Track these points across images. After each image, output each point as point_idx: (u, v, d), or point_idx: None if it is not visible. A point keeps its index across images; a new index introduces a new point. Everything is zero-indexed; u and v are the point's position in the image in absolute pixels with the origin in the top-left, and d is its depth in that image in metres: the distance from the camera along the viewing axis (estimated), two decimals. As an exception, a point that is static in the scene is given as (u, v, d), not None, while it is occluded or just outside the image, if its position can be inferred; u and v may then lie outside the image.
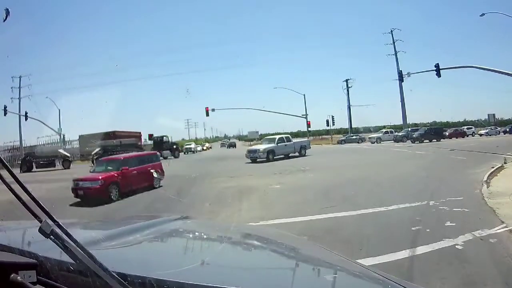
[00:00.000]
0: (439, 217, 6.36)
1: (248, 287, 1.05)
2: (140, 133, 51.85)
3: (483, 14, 28.19)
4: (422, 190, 8.93)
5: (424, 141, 34.61)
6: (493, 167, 11.81)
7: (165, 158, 29.17)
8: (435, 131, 37.74)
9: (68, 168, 28.82)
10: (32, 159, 30.07)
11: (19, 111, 42.74)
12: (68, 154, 32.62)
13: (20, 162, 30.11)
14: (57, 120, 44.26)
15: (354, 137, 46.53)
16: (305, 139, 31.07)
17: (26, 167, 28.68)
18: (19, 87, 43.78)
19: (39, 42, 69.40)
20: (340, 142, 45.43)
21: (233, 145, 60.90)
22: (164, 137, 36.73)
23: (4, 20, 1.39)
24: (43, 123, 42.15)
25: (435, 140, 34.74)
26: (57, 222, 0.93)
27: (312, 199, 9.06)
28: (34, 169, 29.16)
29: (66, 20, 74.20)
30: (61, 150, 33.18)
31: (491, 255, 4.44)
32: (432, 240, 4.98)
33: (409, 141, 36.56)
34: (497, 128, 45.33)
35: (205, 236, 1.87)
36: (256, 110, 51.31)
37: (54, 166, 29.99)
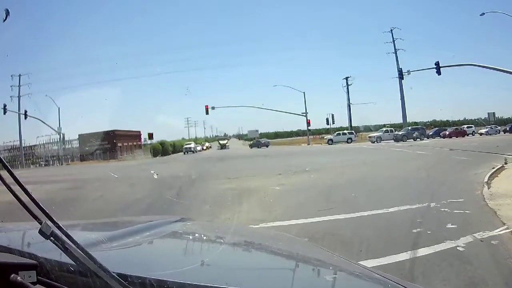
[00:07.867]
0: (440, 219, 6.34)
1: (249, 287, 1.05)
2: (140, 132, 52.09)
3: (483, 14, 28.30)
4: (422, 192, 8.91)
5: (408, 140, 38.41)
6: (493, 168, 11.77)
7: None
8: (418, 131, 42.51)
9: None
10: None
11: (19, 110, 42.64)
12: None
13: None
14: (57, 119, 44.23)
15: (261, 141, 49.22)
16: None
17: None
18: (19, 86, 43.72)
19: (39, 40, 69.48)
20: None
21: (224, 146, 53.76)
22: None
23: (4, 20, 1.39)
24: (43, 122, 42.08)
25: (419, 139, 38.61)
26: (57, 223, 0.93)
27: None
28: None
29: (65, 18, 74.40)
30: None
31: (492, 256, 4.42)
32: (433, 242, 4.95)
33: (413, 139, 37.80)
34: (497, 127, 45.37)
35: (205, 238, 1.87)
36: (256, 108, 51.26)
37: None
